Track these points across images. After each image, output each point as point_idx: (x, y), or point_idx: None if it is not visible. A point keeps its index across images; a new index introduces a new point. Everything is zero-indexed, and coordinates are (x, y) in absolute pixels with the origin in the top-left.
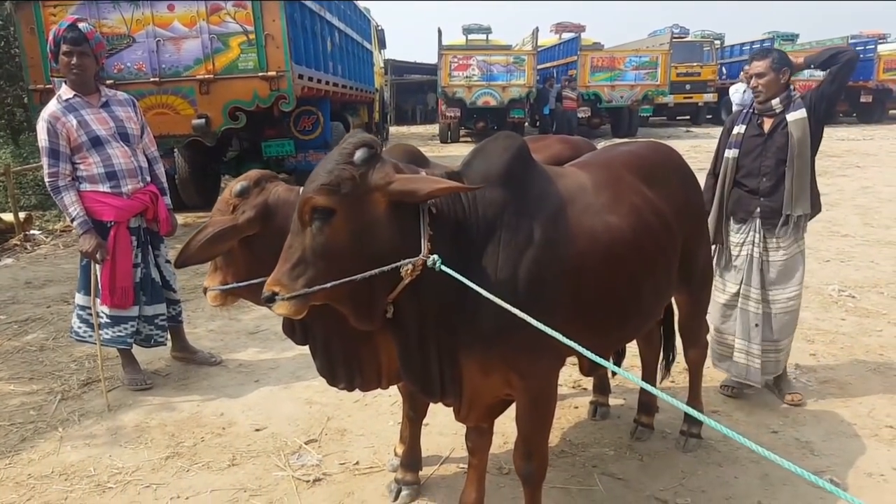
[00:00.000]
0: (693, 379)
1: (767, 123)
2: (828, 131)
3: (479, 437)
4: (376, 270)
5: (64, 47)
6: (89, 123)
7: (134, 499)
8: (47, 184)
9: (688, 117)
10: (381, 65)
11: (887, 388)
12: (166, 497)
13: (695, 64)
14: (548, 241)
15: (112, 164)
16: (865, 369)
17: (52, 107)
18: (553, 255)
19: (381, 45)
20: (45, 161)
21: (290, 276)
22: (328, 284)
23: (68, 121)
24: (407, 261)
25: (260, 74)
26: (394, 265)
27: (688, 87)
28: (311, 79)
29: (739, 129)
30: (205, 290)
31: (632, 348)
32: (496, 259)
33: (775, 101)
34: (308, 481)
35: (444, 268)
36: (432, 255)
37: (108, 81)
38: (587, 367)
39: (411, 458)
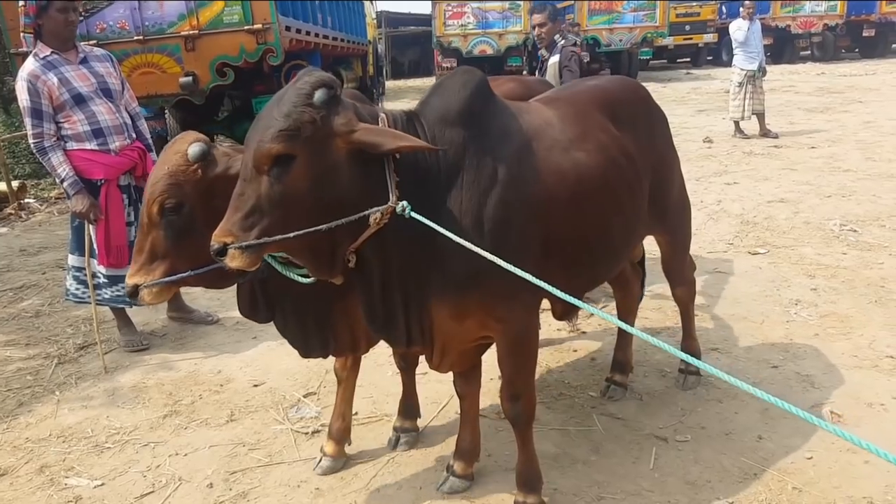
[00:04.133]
0: (684, 317)
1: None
2: (829, 67)
3: (466, 384)
4: (343, 220)
5: (58, 4)
6: (70, 81)
7: (132, 457)
8: (32, 145)
9: (688, 59)
10: (374, 16)
11: (888, 320)
12: (165, 454)
13: (694, 4)
14: (513, 179)
15: (98, 122)
16: (866, 301)
17: (29, 65)
18: (519, 194)
19: None
20: (27, 122)
21: (242, 226)
22: (291, 234)
23: (48, 79)
24: (376, 209)
25: (246, 28)
26: (361, 214)
27: (687, 27)
28: (299, 31)
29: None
30: (135, 291)
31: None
32: (460, 202)
33: (543, 51)
34: (307, 433)
35: (414, 214)
36: (401, 201)
37: (92, 42)
38: (559, 312)
39: (408, 406)
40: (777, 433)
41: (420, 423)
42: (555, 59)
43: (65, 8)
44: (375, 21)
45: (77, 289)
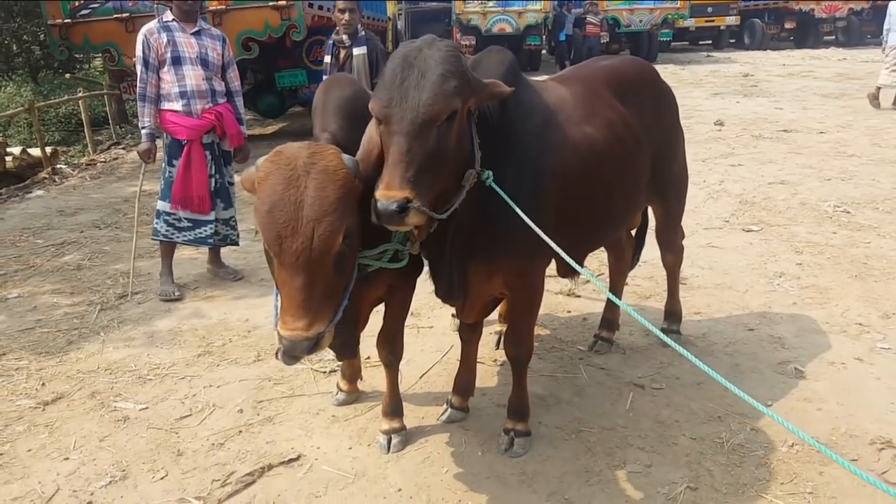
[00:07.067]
0: (671, 281)
1: (341, 54)
2: (851, 53)
3: (472, 331)
4: (471, 176)
5: None
6: (177, 44)
7: (171, 388)
8: (137, 88)
9: (709, 42)
10: None
11: (864, 292)
12: (200, 386)
13: None
14: (539, 148)
15: (185, 84)
16: (847, 276)
17: (151, 24)
18: (544, 161)
19: None
20: (138, 69)
21: (419, 182)
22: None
23: (161, 37)
24: (473, 171)
25: (271, 4)
26: (476, 171)
27: (709, 9)
28: (321, 7)
29: (326, 59)
30: (316, 343)
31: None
32: (500, 165)
33: (345, 37)
34: (324, 372)
35: (493, 184)
36: (486, 170)
37: (124, 14)
38: (564, 270)
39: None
40: (743, 385)
41: (424, 366)
42: (361, 50)
43: None
44: None
45: (167, 230)
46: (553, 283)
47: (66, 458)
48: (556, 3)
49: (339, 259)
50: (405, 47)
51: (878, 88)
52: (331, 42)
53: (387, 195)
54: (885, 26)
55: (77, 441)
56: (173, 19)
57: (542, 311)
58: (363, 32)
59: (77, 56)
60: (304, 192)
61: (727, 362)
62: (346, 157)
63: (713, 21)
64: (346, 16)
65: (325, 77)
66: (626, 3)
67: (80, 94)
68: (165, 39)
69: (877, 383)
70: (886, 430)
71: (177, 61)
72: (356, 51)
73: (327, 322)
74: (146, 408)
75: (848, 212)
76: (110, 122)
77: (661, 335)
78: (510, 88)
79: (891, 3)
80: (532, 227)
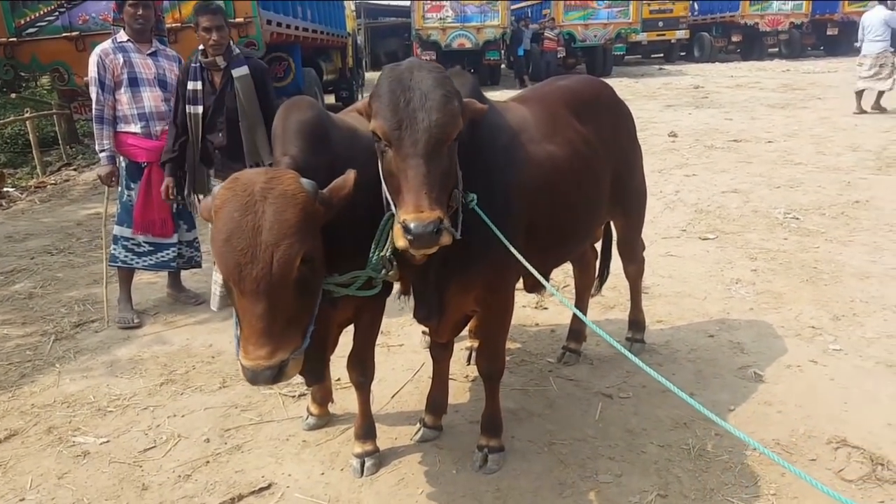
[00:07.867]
0: (633, 292)
1: (216, 78)
2: (793, 65)
3: (443, 350)
4: (458, 199)
5: (130, 2)
6: (134, 65)
7: (133, 419)
8: (94, 111)
9: (661, 55)
10: (353, 7)
11: (815, 296)
12: (163, 416)
13: (667, 1)
14: (507, 169)
15: (143, 107)
16: (799, 280)
17: (105, 45)
18: (512, 181)
19: None
20: (93, 90)
21: (441, 202)
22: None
23: (116, 58)
24: (459, 191)
25: (228, 21)
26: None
27: (660, 24)
28: (279, 24)
29: (192, 85)
30: (281, 370)
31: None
32: (472, 187)
33: (219, 59)
34: (294, 396)
35: (476, 208)
36: (471, 193)
37: (74, 32)
38: (530, 285)
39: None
40: (707, 390)
41: (396, 386)
42: (241, 71)
43: (134, 5)
44: (354, 13)
45: (125, 256)
46: (521, 297)
47: (22, 500)
48: (513, 18)
49: (300, 284)
50: (393, 70)
51: (861, 93)
52: (196, 65)
53: (420, 217)
54: (860, 37)
55: (33, 480)
56: (128, 40)
57: (511, 324)
58: (238, 51)
59: (23, 75)
60: (261, 218)
61: (690, 369)
62: (305, 181)
63: (664, 35)
64: (214, 35)
65: (189, 108)
66: (581, 18)
67: (27, 115)
68: (121, 60)
69: (831, 384)
70: (841, 430)
71: (134, 83)
72: (236, 72)
73: (291, 349)
74: (107, 441)
75: (797, 218)
76: (60, 142)
77: (624, 350)
78: (485, 106)
79: (863, 16)
80: (510, 249)
